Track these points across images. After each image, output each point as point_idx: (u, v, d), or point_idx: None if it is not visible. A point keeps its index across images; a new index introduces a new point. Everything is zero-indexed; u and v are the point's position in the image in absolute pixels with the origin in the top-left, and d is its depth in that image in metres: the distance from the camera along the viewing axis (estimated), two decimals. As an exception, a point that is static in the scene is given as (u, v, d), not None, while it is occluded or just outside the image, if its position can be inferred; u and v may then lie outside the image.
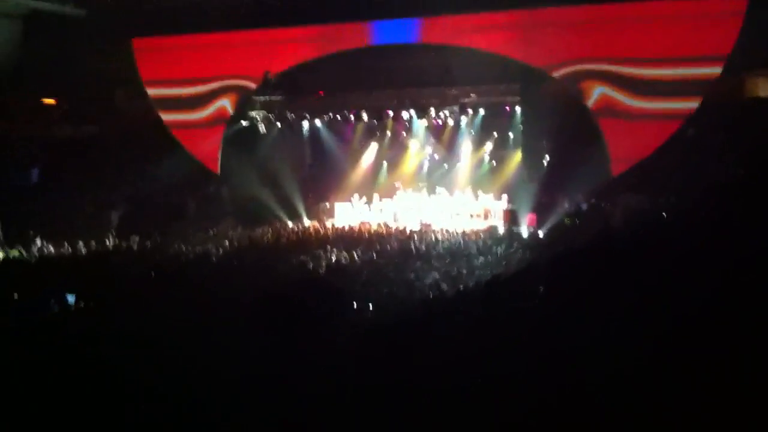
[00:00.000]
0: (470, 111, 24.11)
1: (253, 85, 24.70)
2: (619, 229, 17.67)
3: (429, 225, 22.82)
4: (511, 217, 22.29)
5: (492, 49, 22.00)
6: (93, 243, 18.88)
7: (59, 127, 25.74)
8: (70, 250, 18.36)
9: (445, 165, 26.36)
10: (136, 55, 25.41)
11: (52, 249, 18.43)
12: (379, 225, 23.11)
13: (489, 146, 25.13)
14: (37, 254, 17.89)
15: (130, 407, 5.53)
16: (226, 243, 19.61)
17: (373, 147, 26.62)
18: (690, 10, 19.77)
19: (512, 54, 21.81)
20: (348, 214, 24.72)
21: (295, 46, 23.92)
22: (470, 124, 24.61)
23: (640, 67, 20.32)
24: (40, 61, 24.50)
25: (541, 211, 21.65)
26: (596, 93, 21.11)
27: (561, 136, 21.35)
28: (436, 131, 25.74)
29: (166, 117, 25.63)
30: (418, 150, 26.57)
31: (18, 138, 23.94)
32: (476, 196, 24.08)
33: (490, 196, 23.89)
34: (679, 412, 3.28)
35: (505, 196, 23.49)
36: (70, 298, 10.77)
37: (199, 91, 25.14)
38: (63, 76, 25.21)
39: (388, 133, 26.24)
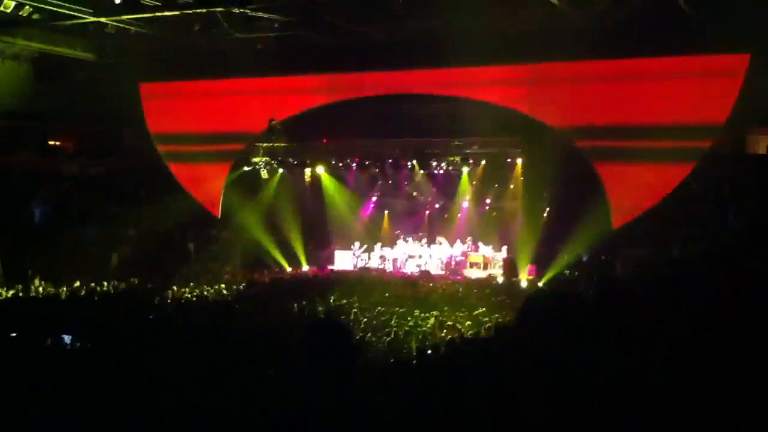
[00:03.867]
0: (472, 161, 24.26)
1: (257, 131, 24.82)
2: (619, 281, 17.60)
3: (428, 273, 22.82)
4: (511, 268, 22.27)
5: (497, 101, 22.14)
6: (92, 284, 18.84)
7: (64, 167, 25.89)
8: (68, 290, 18.30)
9: (446, 215, 26.44)
10: (142, 98, 25.64)
11: (51, 288, 18.38)
12: (378, 272, 23.12)
13: (490, 197, 25.23)
14: (35, 293, 17.84)
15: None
16: (225, 287, 19.59)
17: (375, 195, 26.73)
18: (693, 68, 19.97)
19: (517, 107, 21.95)
20: (348, 261, 24.72)
21: (300, 93, 24.09)
22: (472, 174, 24.75)
23: (642, 124, 20.45)
24: (48, 101, 24.71)
25: (542, 262, 21.64)
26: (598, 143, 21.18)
27: (562, 188, 21.44)
28: (438, 181, 25.88)
29: (170, 161, 25.73)
30: (420, 199, 26.67)
31: (22, 176, 24.04)
32: (476, 246, 24.10)
33: (491, 246, 23.90)
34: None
35: (505, 247, 23.50)
36: (67, 338, 10.70)
37: (204, 136, 25.28)
38: (71, 116, 25.43)
39: (390, 181, 26.36)
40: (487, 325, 13.11)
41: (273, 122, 23.65)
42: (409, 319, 14.72)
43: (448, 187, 25.84)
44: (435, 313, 15.48)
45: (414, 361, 10.12)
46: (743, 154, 21.74)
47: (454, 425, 4.57)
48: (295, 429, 3.15)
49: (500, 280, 21.55)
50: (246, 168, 25.99)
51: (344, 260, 24.83)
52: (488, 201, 25.44)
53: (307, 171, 26.42)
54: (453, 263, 23.79)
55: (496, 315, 15.29)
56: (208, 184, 25.25)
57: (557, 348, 3.48)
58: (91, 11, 20.02)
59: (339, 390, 3.22)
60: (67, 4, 19.44)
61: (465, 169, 24.58)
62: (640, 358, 3.50)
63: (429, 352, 10.48)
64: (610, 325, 3.90)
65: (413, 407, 4.93)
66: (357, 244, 25.04)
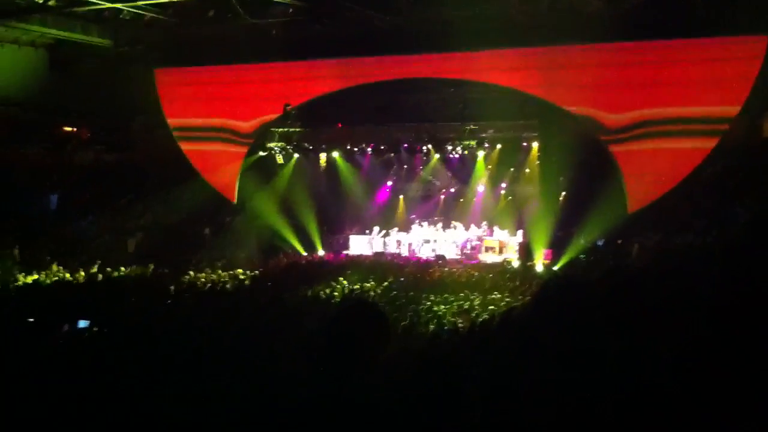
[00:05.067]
0: (487, 146, 24.18)
1: (272, 117, 24.84)
2: (634, 266, 17.52)
3: (444, 257, 22.83)
4: (526, 252, 22.22)
5: (512, 85, 22.03)
6: (108, 269, 18.99)
7: (80, 154, 26.06)
8: (85, 275, 18.45)
9: (461, 199, 26.41)
10: (158, 85, 25.71)
11: (67, 275, 18.54)
12: (393, 257, 23.14)
13: (505, 181, 25.17)
14: (52, 279, 18.00)
15: None
16: (241, 272, 19.68)
17: (390, 180, 26.73)
18: (710, 51, 19.79)
19: (532, 90, 21.84)
20: (363, 246, 24.76)
21: (315, 78, 24.08)
22: (487, 158, 24.68)
23: (658, 108, 20.32)
24: (63, 88, 24.84)
25: (557, 246, 21.58)
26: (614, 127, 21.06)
27: (578, 172, 21.36)
28: (453, 165, 25.84)
29: (185, 147, 25.83)
30: (435, 184, 26.64)
31: (39, 164, 24.23)
32: (492, 231, 24.06)
33: (506, 230, 23.86)
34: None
35: (520, 231, 23.46)
36: (83, 324, 10.79)
37: (219, 122, 25.35)
38: (85, 104, 25.59)
39: (405, 166, 26.34)
40: (502, 311, 13.10)
41: (288, 107, 23.68)
42: (425, 304, 14.73)
43: (463, 171, 25.79)
44: (450, 298, 15.49)
45: (427, 348, 10.13)
46: (759, 139, 21.54)
47: (460, 416, 4.58)
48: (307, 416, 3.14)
49: (515, 264, 21.51)
50: (261, 153, 26.05)
51: (360, 245, 24.87)
52: (503, 185, 25.37)
53: (323, 156, 26.43)
54: (468, 248, 23.78)
55: (509, 299, 15.28)
56: (224, 170, 25.35)
57: (566, 341, 3.49)
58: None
59: (358, 377, 3.19)
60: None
61: (480, 154, 24.50)
62: (645, 353, 3.50)
63: (444, 338, 10.50)
64: (618, 319, 3.89)
65: (420, 396, 4.94)
66: (376, 228, 25.04)
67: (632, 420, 3.22)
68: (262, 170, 25.75)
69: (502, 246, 23.51)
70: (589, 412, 3.18)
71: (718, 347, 3.53)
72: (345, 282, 17.69)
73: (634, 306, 4.11)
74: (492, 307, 14.23)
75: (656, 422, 3.20)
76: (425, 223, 25.14)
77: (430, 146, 24.78)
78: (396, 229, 25.13)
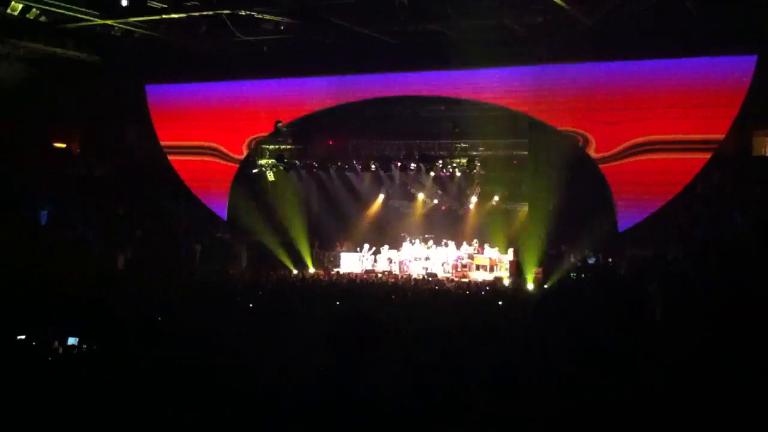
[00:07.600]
0: (478, 163, 24.22)
1: (262, 135, 24.85)
2: (625, 282, 17.56)
3: (435, 275, 22.82)
4: (517, 270, 22.26)
5: (502, 103, 22.09)
6: (99, 285, 18.83)
7: (70, 168, 25.99)
8: (75, 291, 18.29)
9: (452, 217, 26.43)
10: (149, 103, 25.72)
11: (58, 290, 18.37)
12: (384, 274, 23.11)
13: (496, 198, 25.21)
14: (42, 294, 17.82)
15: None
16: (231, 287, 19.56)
17: (381, 197, 26.73)
18: (700, 69, 19.89)
19: (522, 109, 21.90)
20: (354, 263, 24.72)
21: (306, 95, 24.12)
22: (478, 176, 24.72)
23: (648, 124, 20.40)
24: (53, 103, 24.79)
25: (548, 264, 21.61)
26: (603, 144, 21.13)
27: (568, 190, 21.42)
28: (444, 183, 25.88)
29: (174, 158, 25.80)
30: (426, 201, 26.66)
31: (29, 178, 24.11)
32: (483, 249, 24.08)
33: (497, 248, 23.88)
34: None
35: (511, 249, 23.48)
36: (72, 340, 10.69)
37: (209, 141, 25.35)
38: (75, 118, 25.54)
39: (396, 183, 26.36)
40: (493, 323, 13.07)
41: (279, 124, 23.69)
42: (417, 319, 14.65)
43: (453, 188, 25.85)
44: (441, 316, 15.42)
45: (421, 355, 10.09)
46: (749, 156, 21.69)
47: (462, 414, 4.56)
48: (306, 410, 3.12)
49: (506, 282, 21.53)
50: (252, 170, 26.03)
51: (350, 262, 24.83)
52: (494, 203, 25.42)
53: (313, 173, 26.44)
54: (459, 265, 23.79)
55: (500, 314, 15.24)
56: (214, 185, 25.32)
57: (566, 342, 3.48)
58: (98, 14, 20.04)
59: (356, 379, 3.18)
60: (74, 7, 19.48)
61: (471, 171, 24.52)
62: (644, 354, 3.51)
63: (436, 346, 10.45)
64: (612, 330, 3.90)
65: (418, 398, 4.92)
66: (366, 246, 25.02)
67: (631, 419, 3.23)
68: (252, 187, 25.73)
69: (492, 264, 23.54)
70: (589, 410, 3.18)
71: (714, 350, 3.54)
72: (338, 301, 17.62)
73: (631, 308, 4.12)
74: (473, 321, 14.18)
75: (655, 421, 3.21)
76: (416, 241, 25.13)
77: (421, 164, 24.81)
78: (386, 246, 25.11)
